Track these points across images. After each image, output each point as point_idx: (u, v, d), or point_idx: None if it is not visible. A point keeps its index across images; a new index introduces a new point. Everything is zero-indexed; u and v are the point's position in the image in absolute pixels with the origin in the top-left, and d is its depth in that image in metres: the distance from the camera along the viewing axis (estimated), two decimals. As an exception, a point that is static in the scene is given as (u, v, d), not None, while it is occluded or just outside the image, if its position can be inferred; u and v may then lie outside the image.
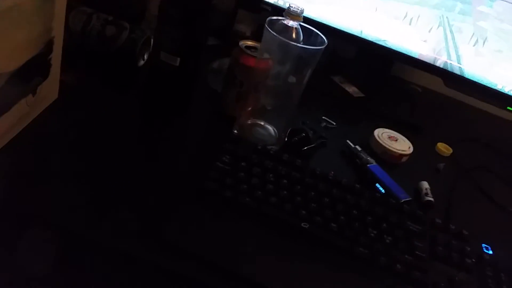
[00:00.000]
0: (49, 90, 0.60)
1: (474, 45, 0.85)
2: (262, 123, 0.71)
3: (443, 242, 0.58)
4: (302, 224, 0.54)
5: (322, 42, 0.62)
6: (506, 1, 0.81)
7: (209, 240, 0.50)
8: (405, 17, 0.85)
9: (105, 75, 0.73)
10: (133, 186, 0.54)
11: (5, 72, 0.48)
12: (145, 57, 0.77)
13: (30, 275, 0.47)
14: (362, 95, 0.92)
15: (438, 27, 0.85)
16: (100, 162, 0.56)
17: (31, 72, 0.53)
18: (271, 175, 0.59)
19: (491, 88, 0.87)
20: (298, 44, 0.61)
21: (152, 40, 0.74)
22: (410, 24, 0.85)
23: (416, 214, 0.61)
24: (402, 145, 0.77)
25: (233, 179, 0.56)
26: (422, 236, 0.58)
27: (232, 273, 0.48)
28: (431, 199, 0.68)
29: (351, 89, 0.93)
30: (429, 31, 0.85)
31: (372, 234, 0.56)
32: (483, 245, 0.61)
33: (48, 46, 0.55)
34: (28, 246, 0.48)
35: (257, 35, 0.78)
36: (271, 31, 0.60)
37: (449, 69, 0.87)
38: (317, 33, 0.63)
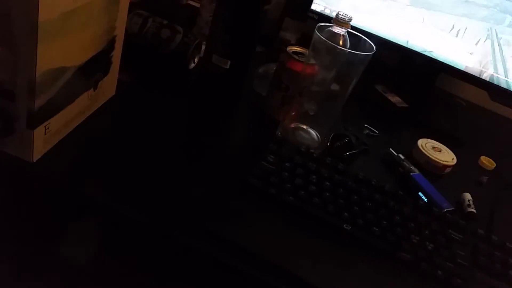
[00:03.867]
0: (108, 86, 0.63)
1: (523, 59, 0.84)
2: (305, 127, 0.72)
3: (486, 252, 0.57)
4: (345, 226, 0.55)
5: (370, 49, 0.63)
6: (558, 15, 0.80)
7: (252, 233, 0.52)
8: (452, 29, 0.85)
9: (157, 75, 0.77)
10: (181, 181, 0.57)
11: (72, 66, 0.51)
12: (196, 60, 0.80)
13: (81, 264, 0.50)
14: (406, 105, 0.92)
15: (485, 40, 0.84)
16: (150, 156, 0.59)
17: (94, 67, 0.57)
18: (314, 176, 0.60)
19: (540, 103, 0.85)
20: (345, 49, 0.62)
21: (203, 44, 0.78)
22: (457, 36, 0.85)
23: (458, 223, 0.60)
24: (445, 156, 0.77)
25: (277, 178, 0.58)
26: (464, 245, 0.58)
27: (273, 266, 0.49)
28: (474, 210, 0.68)
29: (395, 99, 0.93)
30: (476, 44, 0.85)
31: (415, 240, 0.56)
32: (528, 259, 0.60)
33: (111, 44, 0.59)
34: (80, 233, 0.50)
35: (301, 43, 0.80)
36: (321, 36, 0.61)
37: (495, 82, 0.86)
38: (365, 40, 0.64)
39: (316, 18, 0.89)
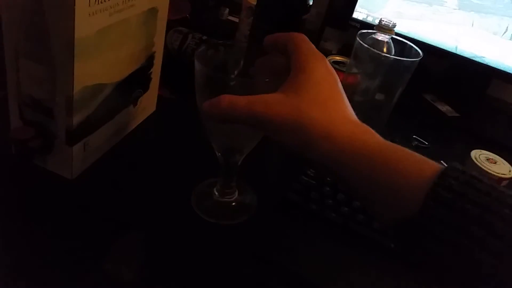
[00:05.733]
0: (149, 102, 0.64)
1: None
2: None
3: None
4: (392, 245, 0.51)
5: (417, 55, 0.60)
6: None
7: (294, 251, 0.50)
8: (505, 32, 0.80)
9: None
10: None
11: (111, 83, 0.52)
12: (235, 74, 0.80)
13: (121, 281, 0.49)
14: (457, 114, 0.87)
15: (544, 42, 0.78)
16: (191, 175, 0.57)
17: (133, 84, 0.57)
18: (358, 191, 0.57)
19: None
20: (390, 56, 0.59)
21: (242, 59, 0.77)
22: (510, 39, 0.80)
23: None
24: (501, 168, 0.71)
25: (318, 193, 0.55)
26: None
27: (316, 285, 0.47)
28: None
29: (445, 108, 0.88)
30: (534, 46, 0.79)
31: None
32: None
33: (149, 61, 0.59)
34: (118, 251, 0.50)
35: (343, 53, 0.78)
36: (363, 43, 0.59)
37: (557, 87, 0.79)
38: (411, 46, 0.61)
39: (358, 26, 0.87)
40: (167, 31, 0.78)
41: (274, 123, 0.34)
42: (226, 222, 0.51)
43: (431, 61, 0.96)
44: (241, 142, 0.48)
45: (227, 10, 1.02)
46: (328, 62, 0.39)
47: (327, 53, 0.94)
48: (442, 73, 0.94)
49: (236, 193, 0.53)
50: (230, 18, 1.02)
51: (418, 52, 0.60)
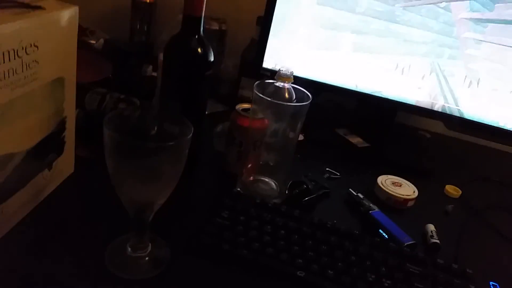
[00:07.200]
0: (65, 165, 0.66)
1: (469, 87, 0.88)
2: (263, 179, 0.75)
3: (445, 282, 0.57)
4: (298, 273, 0.55)
5: (308, 98, 0.66)
6: (492, 43, 0.85)
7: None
8: (396, 68, 0.89)
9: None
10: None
11: (20, 151, 0.54)
12: (155, 129, 0.84)
13: None
14: (367, 144, 0.95)
15: (430, 74, 0.88)
16: (103, 228, 0.59)
17: (46, 149, 0.60)
18: (268, 226, 0.61)
19: (494, 127, 0.88)
20: (279, 102, 0.66)
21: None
22: (402, 73, 0.89)
23: (417, 256, 0.61)
24: (406, 190, 0.79)
25: (231, 233, 0.59)
26: (424, 277, 0.58)
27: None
28: (437, 241, 0.68)
29: (356, 140, 0.95)
30: (422, 78, 0.89)
31: (371, 279, 0.56)
32: (491, 283, 0.60)
33: (61, 126, 0.62)
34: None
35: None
36: (258, 93, 0.65)
37: (448, 112, 0.89)
38: (303, 91, 0.68)
39: (269, 74, 0.94)
40: (86, 93, 0.83)
41: None
42: (139, 277, 0.53)
43: (342, 100, 1.05)
44: (151, 199, 0.51)
45: (150, 67, 1.07)
46: None
47: (245, 100, 1.01)
48: (353, 109, 1.02)
49: (150, 246, 0.55)
50: (154, 74, 1.08)
51: (309, 96, 0.67)
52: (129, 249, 0.54)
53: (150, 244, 0.55)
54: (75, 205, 0.64)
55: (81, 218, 0.61)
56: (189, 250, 0.58)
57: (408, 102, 0.90)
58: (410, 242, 0.65)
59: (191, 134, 0.50)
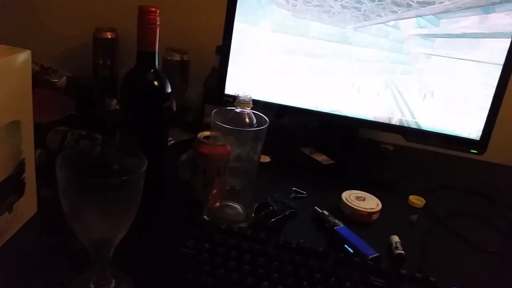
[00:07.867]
0: (26, 206, 0.66)
1: (423, 99, 0.91)
2: (230, 203, 0.76)
3: (408, 292, 0.59)
4: (264, 297, 0.56)
5: (265, 122, 0.68)
6: (441, 56, 0.89)
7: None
8: (352, 87, 0.92)
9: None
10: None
11: (-22, 197, 0.54)
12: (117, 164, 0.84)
13: None
14: (332, 161, 0.97)
15: (385, 89, 0.92)
16: (66, 267, 0.59)
17: (5, 192, 0.60)
18: (234, 252, 0.62)
19: (451, 135, 0.91)
20: (236, 128, 0.67)
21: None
22: (358, 92, 0.93)
23: (380, 268, 0.62)
24: (370, 203, 0.80)
25: (196, 262, 0.60)
26: (387, 289, 0.59)
27: None
28: (402, 252, 0.70)
29: (321, 158, 0.98)
30: (378, 95, 0.92)
31: (336, 295, 0.57)
32: (454, 288, 0.62)
33: (20, 167, 0.62)
34: None
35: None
36: (217, 122, 0.67)
37: (405, 125, 0.92)
38: (261, 115, 0.70)
39: (232, 100, 0.96)
40: (47, 133, 0.83)
41: None
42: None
43: (304, 120, 1.07)
44: (108, 235, 0.52)
45: (114, 101, 1.08)
46: None
47: (210, 127, 1.02)
48: (317, 128, 1.05)
49: (113, 282, 0.55)
50: (118, 107, 1.09)
51: (266, 120, 0.69)
52: (92, 286, 0.54)
53: (113, 280, 0.55)
54: (37, 246, 0.63)
55: (44, 260, 0.61)
56: (154, 283, 0.58)
57: (366, 119, 0.93)
58: (374, 255, 0.67)
59: (144, 168, 0.50)
